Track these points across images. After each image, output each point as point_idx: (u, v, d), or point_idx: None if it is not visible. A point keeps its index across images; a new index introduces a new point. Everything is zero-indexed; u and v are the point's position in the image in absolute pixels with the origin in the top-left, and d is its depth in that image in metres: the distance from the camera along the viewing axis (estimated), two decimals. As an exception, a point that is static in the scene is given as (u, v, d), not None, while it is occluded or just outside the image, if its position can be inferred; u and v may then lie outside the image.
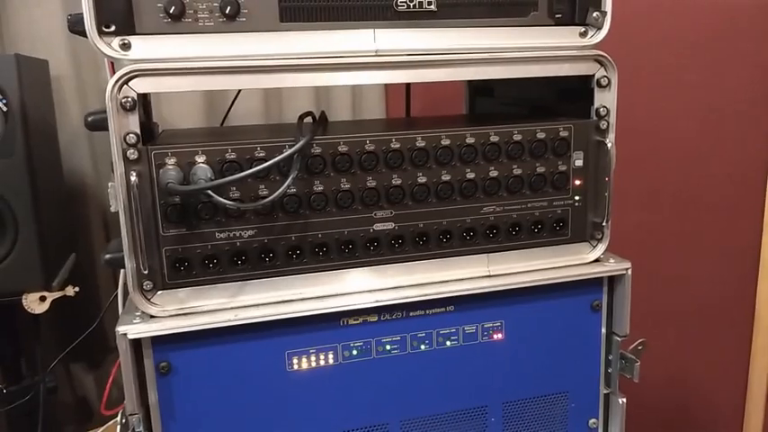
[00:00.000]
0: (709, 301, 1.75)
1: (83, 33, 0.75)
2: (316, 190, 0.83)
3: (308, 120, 0.92)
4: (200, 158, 0.78)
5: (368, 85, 1.57)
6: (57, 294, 1.19)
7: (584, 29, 0.91)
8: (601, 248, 0.96)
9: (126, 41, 0.75)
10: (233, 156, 0.79)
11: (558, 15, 0.90)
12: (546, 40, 0.90)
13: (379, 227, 0.86)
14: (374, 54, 0.83)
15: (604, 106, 0.92)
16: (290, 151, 0.76)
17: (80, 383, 1.54)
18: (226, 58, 0.77)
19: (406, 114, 1.40)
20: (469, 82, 1.31)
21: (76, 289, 1.20)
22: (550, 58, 0.89)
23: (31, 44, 1.34)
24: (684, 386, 1.80)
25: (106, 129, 0.76)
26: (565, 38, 0.91)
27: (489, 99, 1.28)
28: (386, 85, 1.58)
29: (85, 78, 1.39)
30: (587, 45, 0.91)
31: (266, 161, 0.79)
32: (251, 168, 0.78)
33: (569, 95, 0.96)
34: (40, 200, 1.10)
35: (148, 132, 0.78)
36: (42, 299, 1.17)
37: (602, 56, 0.91)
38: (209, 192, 0.73)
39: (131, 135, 0.75)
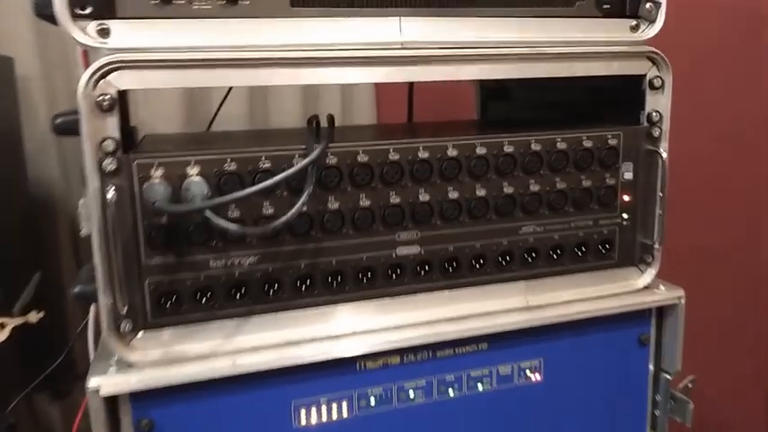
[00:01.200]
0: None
1: (52, 19, 0.61)
2: (330, 208, 0.70)
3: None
4: (194, 170, 0.65)
5: (358, 85, 1.44)
6: (18, 321, 1.04)
7: (635, 22, 0.80)
8: (651, 274, 0.85)
9: (104, 26, 0.62)
10: (233, 167, 0.66)
11: (606, 6, 0.79)
12: (593, 34, 0.79)
13: (402, 251, 0.74)
14: (400, 46, 0.71)
15: (657, 111, 0.81)
16: (305, 162, 0.64)
17: (44, 416, 1.38)
18: (226, 48, 0.65)
19: (408, 119, 1.28)
20: (481, 82, 1.19)
21: (41, 315, 1.06)
22: (598, 55, 0.79)
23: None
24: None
25: (78, 133, 0.62)
26: (614, 32, 0.80)
27: (505, 102, 1.16)
28: (376, 84, 1.45)
29: (56, 78, 1.25)
30: (639, 40, 0.80)
31: (273, 173, 0.66)
32: (254, 183, 0.65)
33: (605, 96, 0.85)
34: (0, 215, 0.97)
35: (129, 138, 0.64)
36: (1, 326, 1.03)
37: (655, 53, 0.80)
38: (208, 213, 0.60)
39: (109, 141, 0.62)
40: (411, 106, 1.29)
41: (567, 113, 0.95)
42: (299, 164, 0.64)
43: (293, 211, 0.63)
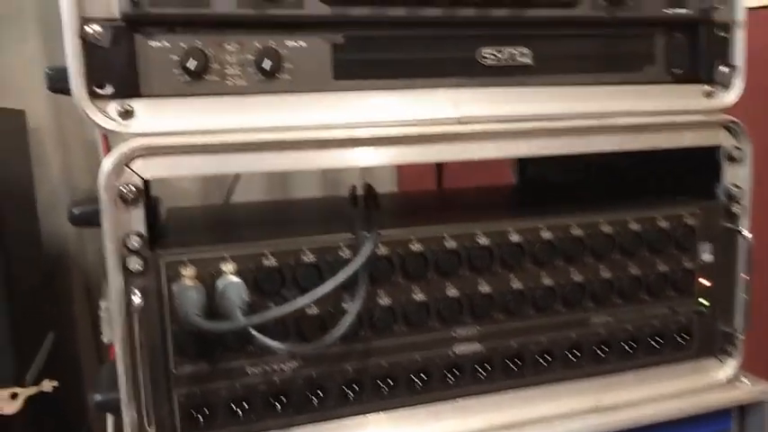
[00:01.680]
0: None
1: (67, 92, 0.54)
2: (380, 303, 0.61)
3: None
4: (229, 267, 0.56)
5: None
6: (31, 391, 0.96)
7: (709, 88, 0.72)
8: (732, 366, 0.75)
9: (128, 107, 0.55)
10: (272, 262, 0.58)
11: (677, 71, 0.72)
12: (663, 102, 0.71)
13: (460, 348, 0.65)
14: (456, 122, 0.63)
15: (736, 185, 0.73)
16: (358, 262, 0.55)
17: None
18: (265, 129, 0.57)
19: (438, 185, 1.20)
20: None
21: (54, 383, 0.97)
22: (669, 126, 0.70)
23: (5, 92, 1.15)
24: None
25: (99, 224, 0.54)
26: (686, 99, 0.72)
27: (547, 164, 1.08)
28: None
29: (68, 129, 1.21)
30: (714, 108, 0.72)
31: (317, 267, 0.58)
32: (296, 278, 0.57)
33: (671, 161, 0.77)
34: (12, 279, 0.89)
35: (155, 227, 0.56)
36: (14, 396, 0.94)
37: (733, 122, 0.71)
38: (252, 330, 0.52)
39: (134, 238, 0.54)
40: (441, 173, 1.21)
41: (622, 177, 0.87)
42: (351, 266, 0.56)
43: (346, 322, 0.55)
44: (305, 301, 0.53)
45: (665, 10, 0.69)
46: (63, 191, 1.21)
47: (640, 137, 0.70)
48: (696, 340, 0.75)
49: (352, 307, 0.56)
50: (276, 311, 0.53)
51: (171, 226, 0.70)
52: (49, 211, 1.21)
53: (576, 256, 0.68)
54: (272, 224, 0.71)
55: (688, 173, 0.77)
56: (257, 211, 0.84)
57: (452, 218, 0.68)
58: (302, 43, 0.60)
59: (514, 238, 0.66)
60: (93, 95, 0.54)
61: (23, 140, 1.14)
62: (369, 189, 0.70)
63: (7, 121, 1.04)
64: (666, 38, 0.72)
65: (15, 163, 1.06)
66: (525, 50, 0.67)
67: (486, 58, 0.65)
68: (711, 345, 0.76)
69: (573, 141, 0.68)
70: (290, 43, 0.59)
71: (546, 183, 1.04)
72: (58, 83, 0.56)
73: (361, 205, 0.67)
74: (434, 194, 0.97)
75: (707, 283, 0.74)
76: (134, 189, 0.54)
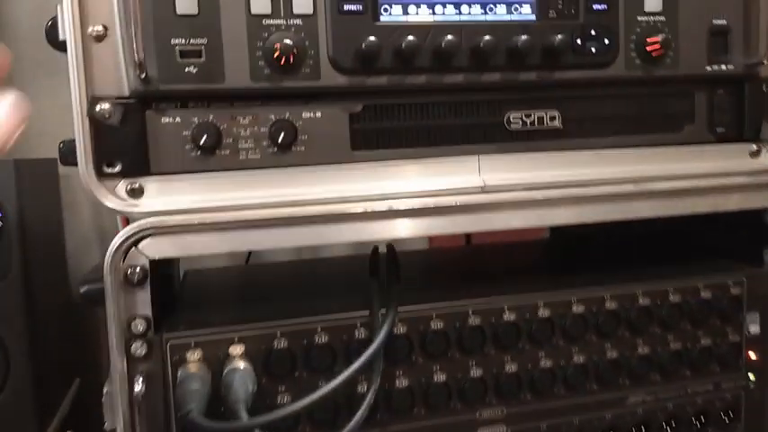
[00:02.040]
0: None
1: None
2: (398, 385, 0.58)
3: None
4: (238, 349, 0.54)
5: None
6: None
7: (755, 146, 0.67)
8: (786, 447, 0.69)
9: (137, 185, 0.53)
10: (283, 343, 0.55)
11: (720, 130, 0.67)
12: (706, 163, 0.66)
13: (485, 432, 0.61)
14: (480, 191, 0.60)
15: (787, 251, 0.67)
16: (372, 349, 0.52)
17: None
18: (280, 204, 0.55)
19: (467, 240, 1.15)
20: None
21: None
22: (712, 189, 0.65)
23: (39, 139, 1.15)
24: None
25: (108, 304, 0.53)
26: (730, 159, 0.67)
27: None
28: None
29: None
30: (761, 169, 0.67)
31: (330, 348, 0.55)
32: (309, 359, 0.54)
33: (710, 220, 0.72)
34: (38, 328, 0.89)
35: (166, 304, 0.55)
36: None
37: (782, 183, 0.66)
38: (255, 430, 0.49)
39: (139, 321, 0.52)
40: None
41: (659, 234, 0.82)
42: (364, 356, 0.53)
43: (359, 416, 0.52)
44: (312, 399, 0.50)
45: (708, 67, 0.64)
46: (93, 236, 1.22)
47: (681, 202, 0.66)
48: (744, 419, 0.69)
49: (368, 395, 0.53)
50: (282, 412, 0.51)
51: (183, 299, 0.68)
52: (78, 255, 1.21)
53: (612, 330, 0.64)
54: (287, 295, 0.69)
55: (732, 236, 0.72)
56: (276, 275, 0.81)
57: (477, 288, 0.64)
58: (318, 114, 0.57)
59: (544, 312, 0.62)
60: (102, 174, 0.53)
61: (55, 187, 1.15)
62: (391, 253, 0.67)
63: (38, 172, 1.04)
64: (708, 95, 0.67)
65: (45, 213, 1.06)
66: (554, 113, 0.63)
67: (512, 122, 0.62)
68: (761, 424, 0.70)
69: (607, 209, 0.64)
70: (306, 114, 0.57)
71: (579, 236, 0.99)
72: (69, 157, 0.55)
73: (382, 273, 0.64)
74: (462, 253, 0.93)
75: (755, 357, 0.69)
76: (140, 271, 0.53)
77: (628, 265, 0.72)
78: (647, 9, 0.62)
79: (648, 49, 0.61)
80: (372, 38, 0.54)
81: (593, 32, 0.60)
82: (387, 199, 0.58)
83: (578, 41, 0.60)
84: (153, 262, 0.53)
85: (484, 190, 0.61)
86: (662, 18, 0.62)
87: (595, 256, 0.83)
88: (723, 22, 0.64)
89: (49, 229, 1.07)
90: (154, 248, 0.53)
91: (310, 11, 0.54)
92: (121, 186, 0.54)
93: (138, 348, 0.52)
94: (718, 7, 0.64)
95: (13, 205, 0.86)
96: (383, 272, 0.64)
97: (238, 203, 0.55)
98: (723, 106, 0.67)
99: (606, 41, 0.61)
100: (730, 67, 0.65)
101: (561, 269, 0.77)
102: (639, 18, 0.62)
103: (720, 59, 0.65)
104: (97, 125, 0.52)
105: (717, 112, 0.67)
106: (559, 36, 0.58)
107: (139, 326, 0.53)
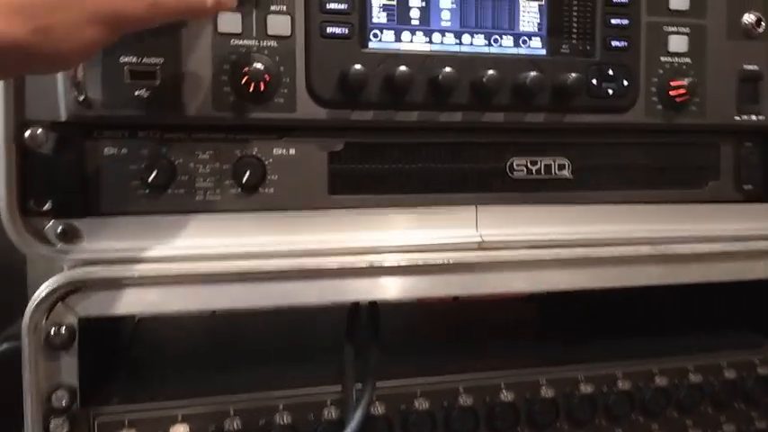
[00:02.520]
0: None
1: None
2: (374, 476, 0.49)
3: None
4: (180, 430, 0.44)
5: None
6: None
7: (785, 207, 0.60)
8: None
9: (70, 227, 0.44)
10: (237, 423, 0.46)
11: (747, 187, 0.60)
12: (731, 224, 0.59)
13: None
14: (476, 247, 0.51)
15: (819, 327, 0.59)
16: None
17: None
18: (242, 255, 0.46)
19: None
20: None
21: None
22: (738, 254, 0.58)
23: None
24: None
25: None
26: (758, 221, 0.60)
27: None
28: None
29: None
30: (791, 233, 0.59)
31: (293, 429, 0.46)
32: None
33: (732, 293, 0.64)
34: None
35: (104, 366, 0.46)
36: None
37: (815, 250, 0.59)
38: None
39: (62, 393, 0.43)
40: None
41: (676, 296, 0.73)
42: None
43: None
44: None
45: (736, 117, 0.57)
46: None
47: (703, 268, 0.58)
48: None
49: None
50: None
51: (129, 356, 0.59)
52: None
53: (624, 413, 0.56)
54: (249, 357, 0.59)
55: (760, 305, 0.64)
56: (240, 327, 0.72)
57: (469, 358, 0.55)
58: (292, 151, 0.49)
59: (547, 392, 0.54)
60: (28, 213, 0.44)
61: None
62: (372, 313, 0.58)
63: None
64: (735, 148, 0.60)
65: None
66: (564, 161, 0.55)
67: (516, 169, 0.54)
68: None
69: (619, 273, 0.56)
70: (278, 151, 0.49)
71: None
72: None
73: (360, 335, 0.55)
74: (452, 308, 0.84)
75: (784, 448, 0.60)
76: (66, 331, 0.43)
77: (641, 332, 0.64)
78: (671, 49, 0.55)
79: (672, 93, 0.54)
80: (358, 66, 0.46)
81: (610, 72, 0.53)
82: (368, 253, 0.50)
83: (594, 81, 0.52)
84: (83, 320, 0.44)
85: (481, 246, 0.53)
86: (687, 60, 0.55)
87: (602, 318, 0.74)
88: (754, 67, 0.57)
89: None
90: (86, 305, 0.44)
91: (287, 32, 0.46)
92: (51, 228, 0.45)
93: (59, 426, 0.43)
94: (750, 51, 0.57)
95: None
96: (362, 334, 0.55)
97: (192, 253, 0.47)
98: (751, 161, 0.60)
99: (625, 83, 0.53)
100: (761, 117, 0.58)
101: (564, 334, 0.68)
102: (663, 59, 0.55)
103: (750, 109, 0.58)
104: (26, 153, 0.44)
105: (744, 168, 0.60)
106: (572, 74, 0.51)
107: (62, 398, 0.43)
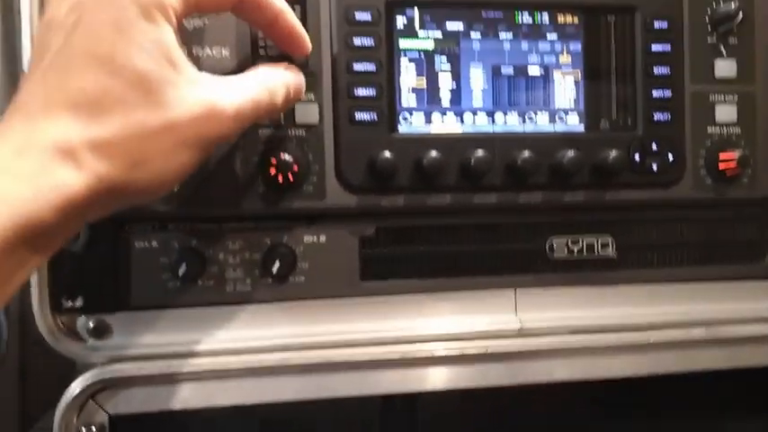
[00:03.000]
0: None
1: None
2: None
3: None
4: None
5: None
6: None
7: None
8: None
9: (102, 323, 0.44)
10: None
11: (807, 261, 0.56)
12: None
13: None
14: (516, 334, 0.49)
15: None
16: None
17: None
18: (274, 347, 0.45)
19: None
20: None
21: None
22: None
23: None
24: None
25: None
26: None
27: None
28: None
29: None
30: None
31: None
32: None
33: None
34: None
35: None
36: None
37: None
38: None
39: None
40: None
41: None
42: None
43: None
44: None
45: (791, 187, 0.53)
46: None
47: (761, 351, 0.54)
48: None
49: None
50: None
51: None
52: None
53: None
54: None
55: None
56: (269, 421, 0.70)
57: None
58: (322, 238, 0.48)
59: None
60: (59, 310, 0.44)
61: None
62: (406, 415, 0.56)
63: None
64: (794, 220, 0.56)
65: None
66: (607, 240, 0.53)
67: (556, 250, 0.52)
68: None
69: (672, 359, 0.53)
70: (308, 238, 0.49)
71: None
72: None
73: None
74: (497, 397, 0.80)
75: None
76: (96, 430, 0.43)
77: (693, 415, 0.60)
78: (719, 119, 0.52)
79: (722, 167, 0.52)
80: (388, 153, 0.45)
81: (654, 146, 0.51)
82: (401, 343, 0.49)
83: (636, 157, 0.50)
84: (114, 417, 0.44)
85: (521, 333, 0.50)
86: (737, 129, 0.52)
87: (658, 398, 0.70)
88: (810, 134, 0.54)
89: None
90: (116, 402, 0.44)
91: (316, 120, 0.46)
92: (83, 324, 0.45)
93: None
94: (805, 117, 0.54)
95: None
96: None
97: (222, 347, 0.46)
98: (812, 233, 0.56)
99: (670, 157, 0.51)
100: (820, 187, 0.54)
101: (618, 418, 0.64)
102: (710, 129, 0.52)
103: (807, 178, 0.54)
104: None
105: (803, 240, 0.56)
106: (613, 152, 0.48)
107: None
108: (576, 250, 0.53)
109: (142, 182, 0.33)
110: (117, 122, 0.32)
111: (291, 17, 0.40)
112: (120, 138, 0.32)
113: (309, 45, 0.42)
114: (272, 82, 0.39)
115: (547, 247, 0.52)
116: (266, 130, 0.45)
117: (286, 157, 0.44)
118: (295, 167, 0.44)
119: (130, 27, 0.32)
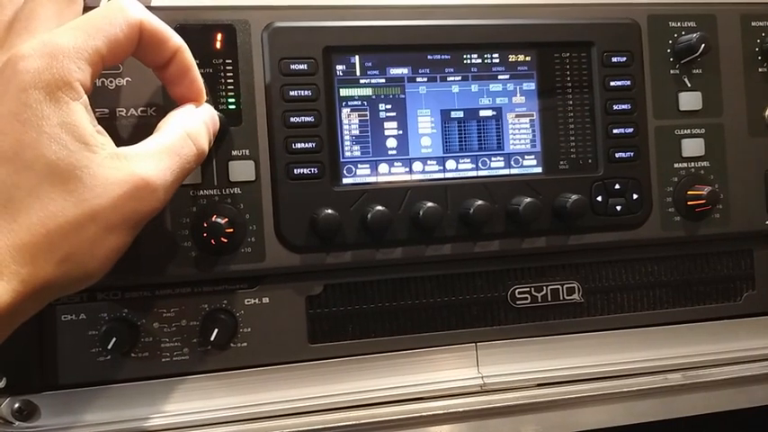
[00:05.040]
0: None
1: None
2: None
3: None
4: None
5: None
6: None
7: (836, 318, 0.53)
8: None
9: (28, 404, 0.41)
10: None
11: (788, 296, 0.53)
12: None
13: None
14: (479, 390, 0.47)
15: None
16: None
17: None
18: (213, 421, 0.43)
19: None
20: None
21: None
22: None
23: None
24: None
25: None
26: (804, 335, 0.53)
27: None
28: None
29: None
30: None
31: None
32: None
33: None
34: None
35: None
36: None
37: None
38: None
39: None
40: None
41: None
42: None
43: None
44: None
45: None
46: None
47: (746, 393, 0.51)
48: None
49: None
50: None
51: None
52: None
53: None
54: None
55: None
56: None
57: None
58: (265, 299, 0.46)
59: None
60: (-20, 393, 0.41)
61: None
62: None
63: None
64: (771, 254, 0.54)
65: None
66: (573, 284, 0.51)
67: (518, 298, 0.50)
68: None
69: (648, 407, 0.50)
70: (249, 300, 0.46)
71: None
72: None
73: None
74: None
75: None
76: None
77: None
78: (685, 154, 0.50)
79: (690, 203, 0.49)
80: (329, 210, 0.43)
81: (617, 186, 0.48)
82: (354, 407, 0.46)
83: (599, 198, 0.48)
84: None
85: (484, 389, 0.48)
86: (706, 163, 0.50)
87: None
88: (784, 164, 0.52)
89: None
90: (42, 492, 0.41)
91: (252, 177, 0.44)
92: (7, 406, 0.42)
93: None
94: (777, 147, 0.51)
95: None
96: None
97: (156, 424, 0.43)
98: (791, 266, 0.54)
99: (635, 197, 0.48)
100: (796, 220, 0.52)
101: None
102: (677, 165, 0.50)
103: (782, 210, 0.52)
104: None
105: (783, 275, 0.54)
106: (573, 196, 0.46)
107: None
108: (539, 297, 0.50)
109: (71, 276, 0.32)
110: (35, 220, 0.30)
111: (189, 56, 0.38)
112: (40, 236, 0.30)
113: (204, 93, 0.39)
114: (190, 126, 0.37)
115: (508, 296, 0.50)
116: (197, 191, 0.43)
117: (218, 219, 0.42)
118: (228, 229, 0.42)
119: (34, 116, 0.30)
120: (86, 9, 0.40)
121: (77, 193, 0.31)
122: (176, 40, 0.37)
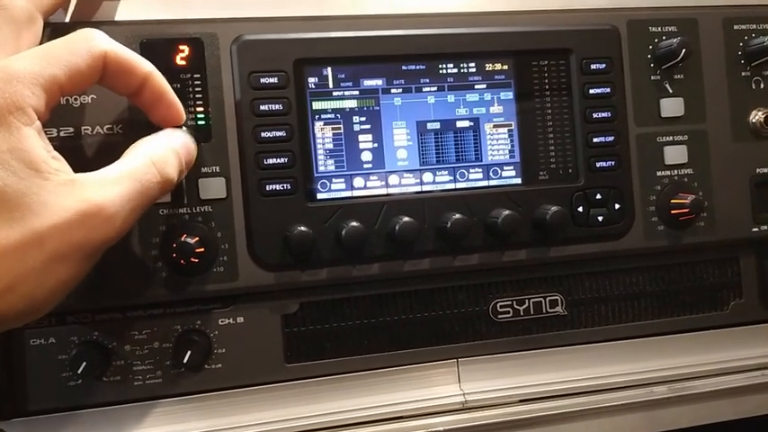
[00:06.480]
0: None
1: None
2: None
3: None
4: None
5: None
6: None
7: (824, 326, 0.53)
8: None
9: (-6, 432, 0.41)
10: None
11: (775, 304, 0.53)
12: (762, 348, 0.52)
13: None
14: (461, 407, 0.46)
15: None
16: None
17: None
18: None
19: None
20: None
21: None
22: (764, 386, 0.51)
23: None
24: None
25: None
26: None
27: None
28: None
29: None
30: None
31: None
32: None
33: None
34: None
35: None
36: None
37: None
38: None
39: None
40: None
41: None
42: None
43: None
44: None
45: (754, 229, 0.51)
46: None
47: (734, 404, 0.51)
48: None
49: None
50: None
51: None
52: None
53: None
54: None
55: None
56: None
57: None
58: (240, 319, 0.45)
59: None
60: (-54, 422, 0.41)
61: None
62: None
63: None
64: (758, 261, 0.54)
65: None
66: (556, 297, 0.50)
67: (500, 312, 0.49)
68: None
69: (633, 421, 0.49)
70: (224, 320, 0.45)
71: None
72: None
73: None
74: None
75: None
76: None
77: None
78: (668, 161, 0.50)
79: (674, 212, 0.49)
80: (303, 228, 0.42)
81: (598, 196, 0.48)
82: (333, 428, 0.45)
83: (579, 209, 0.47)
84: None
85: (465, 406, 0.48)
86: (689, 171, 0.50)
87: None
88: (769, 170, 0.51)
89: None
90: None
91: (222, 194, 0.43)
92: (-27, 436, 0.42)
93: None
94: (762, 153, 0.51)
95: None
96: None
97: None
98: (778, 274, 0.54)
99: (616, 206, 0.48)
100: (782, 227, 0.52)
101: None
102: (659, 173, 0.49)
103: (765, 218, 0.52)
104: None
105: (771, 282, 0.54)
106: (553, 208, 0.46)
107: None
108: (522, 311, 0.50)
109: (16, 309, 0.31)
110: None
111: (161, 80, 0.37)
112: None
113: (183, 114, 0.39)
114: (157, 154, 0.36)
115: (490, 310, 0.49)
116: (166, 209, 0.42)
117: (188, 239, 0.41)
118: (198, 249, 0.41)
119: None
120: (53, 29, 0.39)
121: (23, 220, 0.30)
122: (145, 67, 0.36)
